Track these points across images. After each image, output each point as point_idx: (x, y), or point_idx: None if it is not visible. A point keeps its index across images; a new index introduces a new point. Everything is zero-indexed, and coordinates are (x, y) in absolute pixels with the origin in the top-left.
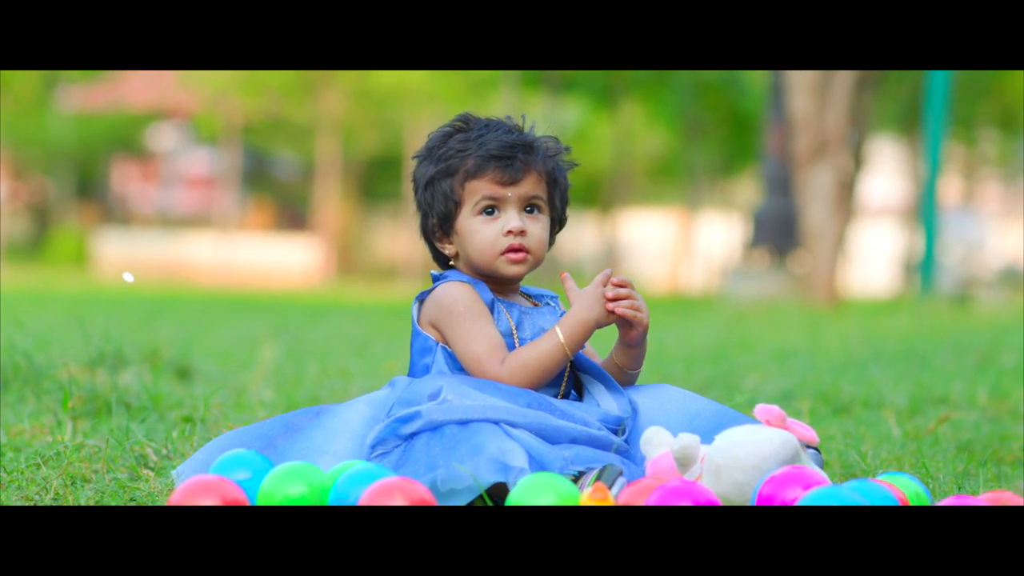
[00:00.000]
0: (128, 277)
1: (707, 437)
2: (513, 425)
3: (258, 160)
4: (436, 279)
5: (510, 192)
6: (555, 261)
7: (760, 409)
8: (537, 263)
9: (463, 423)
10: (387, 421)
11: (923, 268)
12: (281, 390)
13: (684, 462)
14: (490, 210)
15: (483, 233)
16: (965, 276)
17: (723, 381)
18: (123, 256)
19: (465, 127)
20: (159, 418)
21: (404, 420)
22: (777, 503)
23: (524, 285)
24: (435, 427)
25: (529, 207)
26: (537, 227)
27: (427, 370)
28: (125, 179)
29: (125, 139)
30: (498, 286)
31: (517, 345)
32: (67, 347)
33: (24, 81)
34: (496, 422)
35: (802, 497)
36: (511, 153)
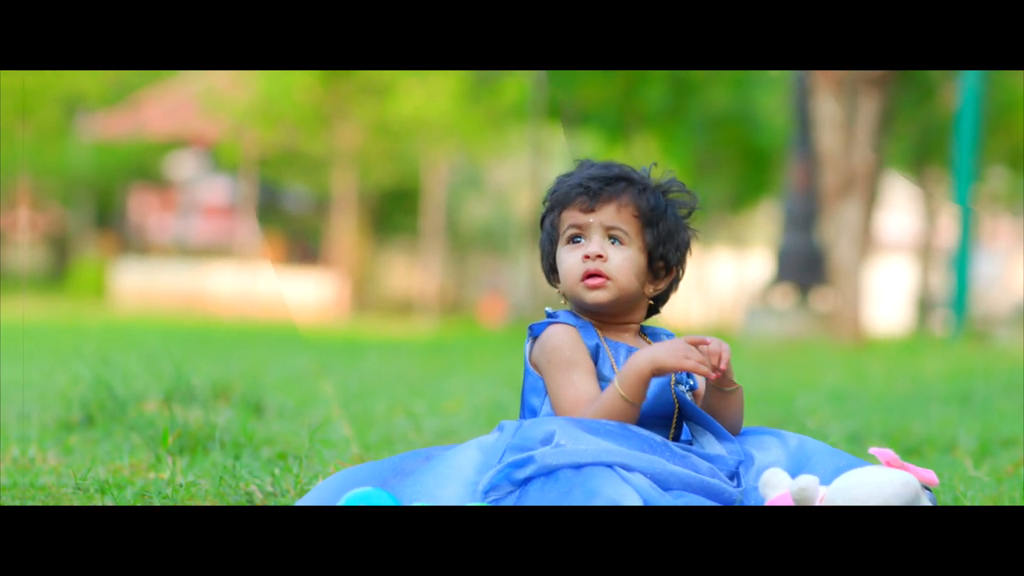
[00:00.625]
0: None
1: (825, 479)
2: (628, 469)
3: (269, 193)
4: (549, 316)
5: (591, 218)
6: None
7: (877, 451)
8: (622, 292)
9: (577, 467)
10: (499, 466)
11: (956, 306)
12: (358, 427)
13: (803, 503)
14: (577, 239)
15: (567, 261)
16: (981, 314)
17: (786, 424)
18: (142, 287)
19: (575, 167)
20: (253, 455)
21: (517, 465)
22: None
23: (649, 325)
24: (549, 472)
25: (612, 238)
26: (621, 255)
27: (535, 412)
28: (144, 208)
29: (144, 168)
30: (609, 326)
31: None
32: (135, 381)
33: (45, 110)
34: (610, 465)
35: None
36: (590, 183)
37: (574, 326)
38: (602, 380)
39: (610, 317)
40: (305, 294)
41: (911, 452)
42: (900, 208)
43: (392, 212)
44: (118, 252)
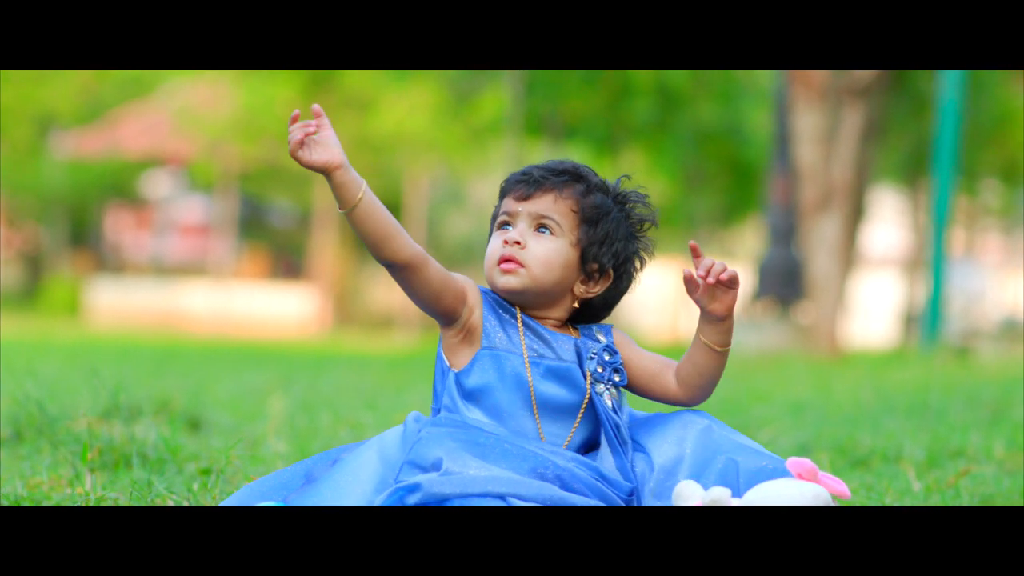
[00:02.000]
0: None
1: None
2: (518, 498)
3: (253, 208)
4: None
5: (522, 207)
6: None
7: (792, 462)
8: (535, 282)
9: (465, 497)
10: (392, 488)
11: (929, 320)
12: (295, 442)
13: None
14: (505, 226)
15: (490, 246)
16: (966, 327)
17: None
18: (117, 305)
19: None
20: (177, 470)
21: (408, 490)
22: None
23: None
24: (438, 500)
25: (541, 227)
26: (542, 245)
27: (439, 397)
28: (119, 227)
29: (119, 186)
30: (538, 314)
31: (527, 361)
32: (76, 398)
33: (18, 127)
34: (501, 496)
35: None
36: (535, 171)
37: (480, 291)
38: (493, 349)
39: (525, 308)
40: (288, 309)
41: (859, 463)
42: (889, 222)
43: None
44: (93, 270)
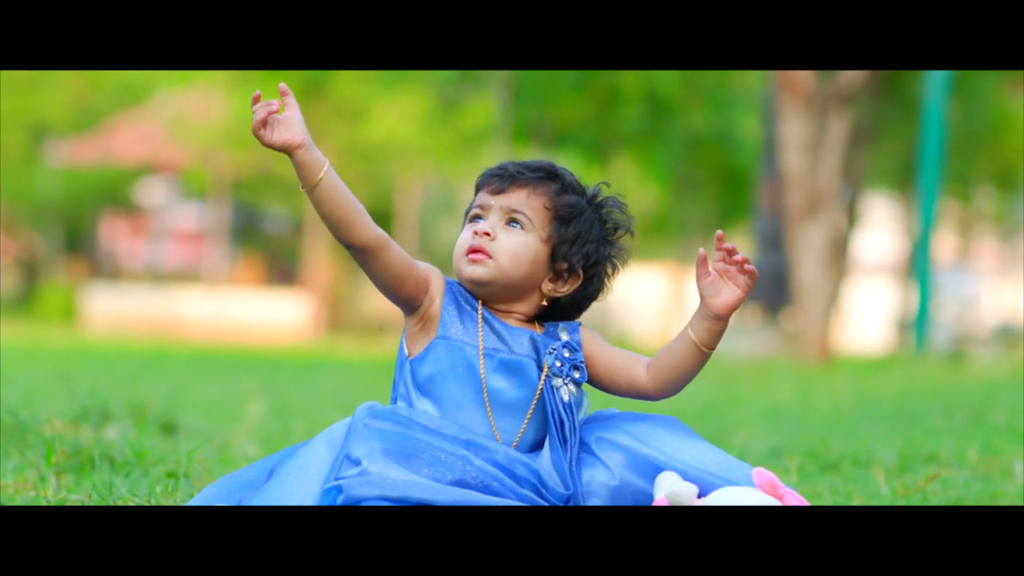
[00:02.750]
0: None
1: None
2: (435, 504)
3: (247, 215)
4: None
5: (495, 200)
6: None
7: (757, 473)
8: (501, 274)
9: (386, 500)
10: (326, 486)
11: (917, 325)
12: (266, 445)
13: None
14: (477, 219)
15: (460, 237)
16: (960, 333)
17: (712, 438)
18: (112, 311)
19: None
20: (143, 473)
21: (335, 491)
22: None
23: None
24: (356, 501)
25: (512, 221)
26: (511, 239)
27: (396, 386)
28: (113, 234)
29: (113, 194)
30: (493, 309)
31: (481, 353)
32: (53, 403)
33: (12, 136)
34: (419, 501)
35: None
36: (509, 166)
37: (447, 286)
38: (448, 338)
39: (491, 301)
40: (281, 316)
41: (830, 467)
42: (882, 228)
43: None
44: (88, 277)
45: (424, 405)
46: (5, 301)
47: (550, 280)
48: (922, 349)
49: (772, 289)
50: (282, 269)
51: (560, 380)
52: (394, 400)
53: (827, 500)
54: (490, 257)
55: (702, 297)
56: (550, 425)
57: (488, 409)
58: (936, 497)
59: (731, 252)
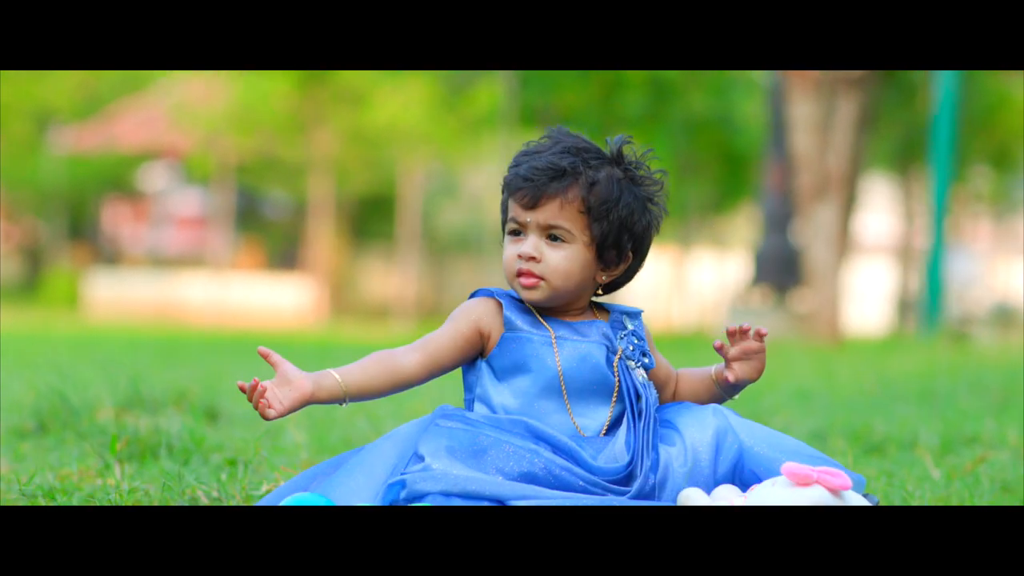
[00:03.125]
0: None
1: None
2: (498, 501)
3: (249, 200)
4: (483, 290)
5: (529, 217)
6: None
7: (787, 470)
8: (556, 292)
9: (447, 495)
10: (390, 480)
11: (927, 306)
12: (312, 432)
13: None
14: (517, 232)
15: (506, 253)
16: (960, 314)
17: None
18: (115, 297)
19: (544, 138)
20: (203, 461)
21: (396, 486)
22: None
23: (609, 303)
24: (418, 496)
25: (553, 236)
26: (557, 255)
27: (471, 387)
28: (117, 220)
29: (116, 180)
30: (551, 310)
31: (554, 340)
32: (93, 390)
33: (16, 123)
34: (481, 496)
35: None
36: (535, 176)
37: (495, 299)
38: (515, 331)
39: (551, 308)
40: (284, 300)
41: (874, 450)
42: (882, 210)
43: (369, 218)
44: (91, 263)
45: (503, 397)
46: (9, 287)
47: (601, 270)
48: (933, 330)
49: (780, 271)
50: (285, 253)
51: (633, 363)
52: (468, 403)
53: (881, 484)
54: (541, 279)
55: (732, 375)
56: (626, 404)
57: (564, 395)
58: (987, 479)
59: (744, 331)
